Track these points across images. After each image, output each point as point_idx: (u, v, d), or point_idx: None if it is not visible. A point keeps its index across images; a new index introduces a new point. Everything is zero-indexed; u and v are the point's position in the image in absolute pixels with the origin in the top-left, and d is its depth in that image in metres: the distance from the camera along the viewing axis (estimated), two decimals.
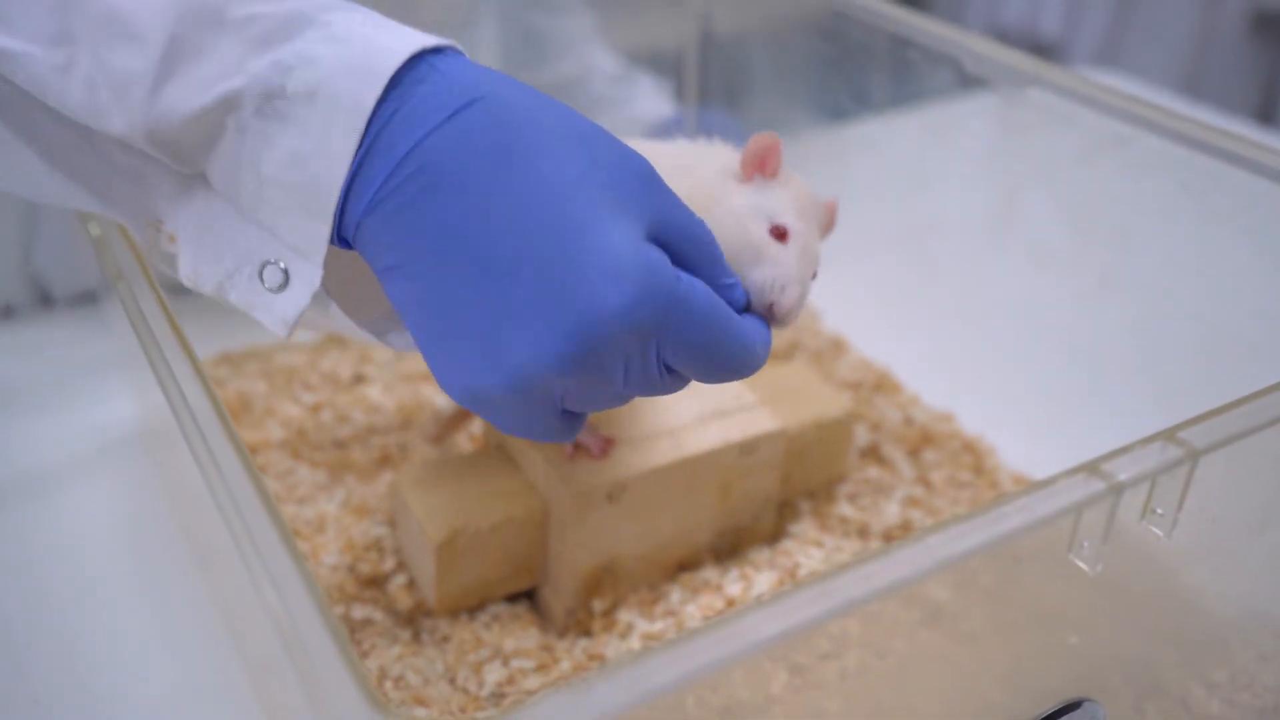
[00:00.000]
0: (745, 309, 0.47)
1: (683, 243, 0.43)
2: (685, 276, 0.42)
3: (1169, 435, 0.39)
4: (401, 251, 0.41)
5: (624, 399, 0.45)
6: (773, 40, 0.89)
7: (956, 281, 0.84)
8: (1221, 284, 0.65)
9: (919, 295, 0.87)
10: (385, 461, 0.77)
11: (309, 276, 0.44)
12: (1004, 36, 2.83)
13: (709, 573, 0.67)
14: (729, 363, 0.44)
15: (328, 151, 0.41)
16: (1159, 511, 0.40)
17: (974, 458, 0.78)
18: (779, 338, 0.89)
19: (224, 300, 0.46)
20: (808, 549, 0.69)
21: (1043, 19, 2.75)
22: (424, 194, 0.41)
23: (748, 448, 0.66)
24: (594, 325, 0.40)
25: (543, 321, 0.40)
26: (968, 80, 0.72)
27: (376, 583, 0.67)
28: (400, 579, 0.67)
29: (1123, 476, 0.38)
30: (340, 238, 0.44)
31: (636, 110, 1.03)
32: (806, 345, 0.89)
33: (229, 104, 0.42)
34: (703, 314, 0.42)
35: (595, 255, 0.39)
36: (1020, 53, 0.70)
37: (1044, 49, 2.77)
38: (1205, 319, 0.66)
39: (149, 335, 0.46)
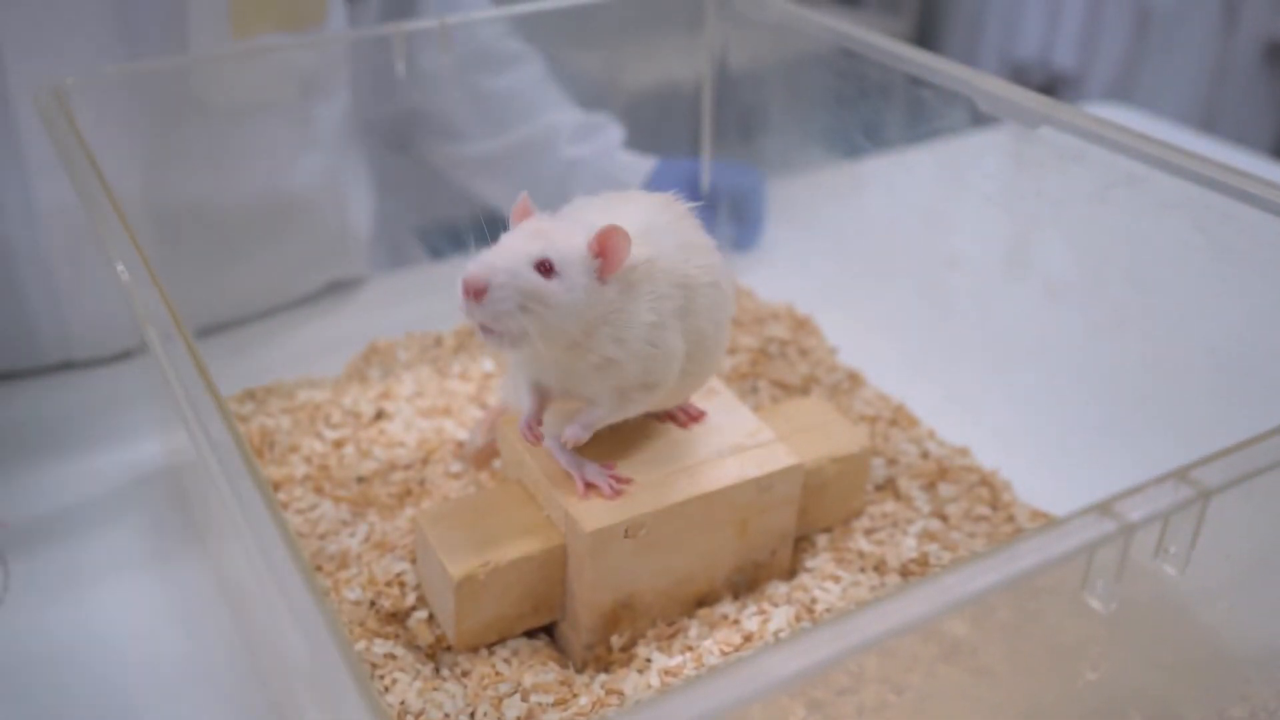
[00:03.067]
0: None
1: None
2: None
3: (1181, 475, 0.40)
4: None
5: None
6: (787, 77, 0.90)
7: (972, 317, 0.84)
8: (1236, 322, 0.66)
9: (935, 330, 0.87)
10: (406, 496, 0.77)
11: None
12: (1019, 69, 2.84)
13: (727, 608, 0.67)
14: None
15: None
16: (1171, 550, 0.40)
17: (991, 491, 0.78)
18: (793, 374, 0.90)
19: None
20: (825, 584, 0.69)
21: (1057, 52, 2.76)
22: None
23: (765, 484, 0.66)
24: None
25: None
26: (979, 117, 0.73)
27: (398, 618, 0.68)
28: (421, 614, 0.67)
29: (1134, 516, 0.38)
30: None
31: (614, 170, 1.03)
32: (823, 380, 0.90)
33: None
34: None
35: None
36: (1031, 92, 0.71)
37: (1059, 81, 2.78)
38: (1220, 356, 0.67)
39: (175, 375, 0.47)
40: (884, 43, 0.80)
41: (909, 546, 0.73)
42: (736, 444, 0.68)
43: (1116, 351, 0.74)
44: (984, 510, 0.77)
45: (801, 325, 0.96)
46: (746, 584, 0.70)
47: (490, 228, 0.58)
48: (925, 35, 3.09)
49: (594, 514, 0.62)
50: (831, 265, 0.94)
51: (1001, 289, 0.82)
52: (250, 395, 0.88)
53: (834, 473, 0.72)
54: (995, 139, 0.75)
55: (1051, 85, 2.83)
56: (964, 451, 0.82)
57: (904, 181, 0.86)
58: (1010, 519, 0.76)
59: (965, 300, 0.85)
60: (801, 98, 0.86)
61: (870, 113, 0.82)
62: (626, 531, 0.63)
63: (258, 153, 0.91)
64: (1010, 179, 0.75)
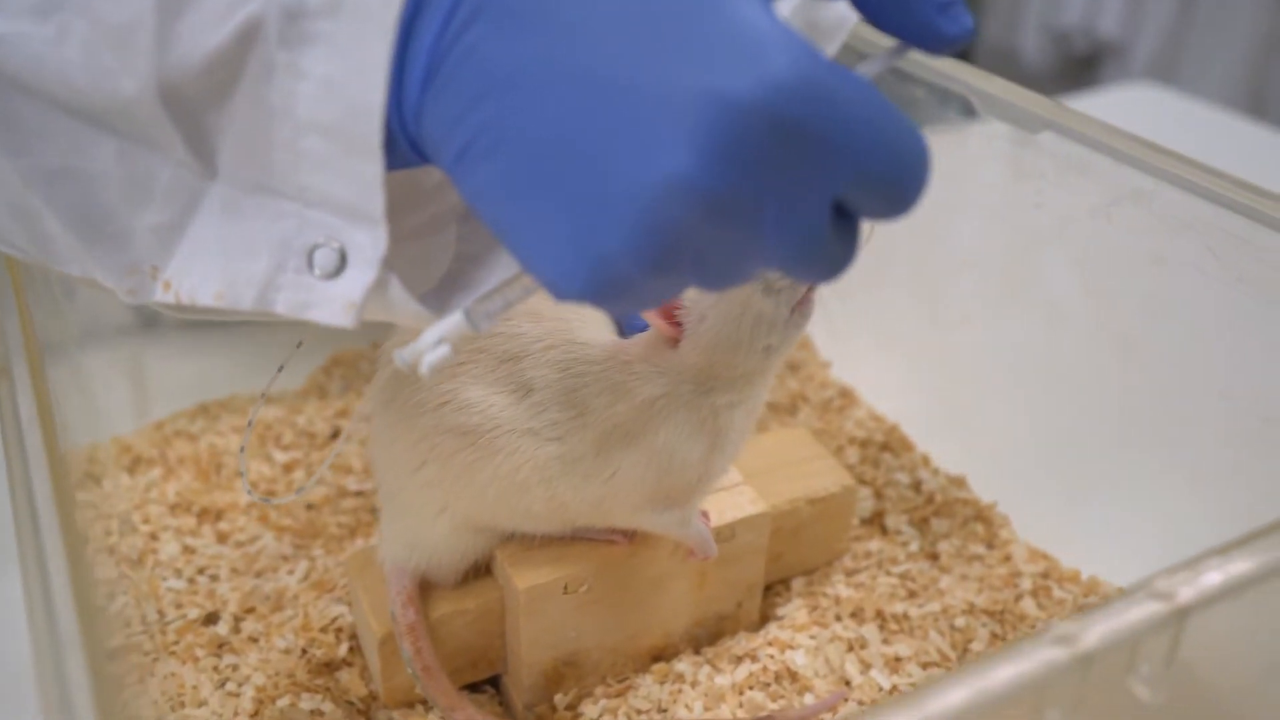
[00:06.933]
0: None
1: None
2: (831, 59, 0.31)
3: (1150, 588, 0.33)
4: (475, 116, 0.33)
5: (780, 262, 0.33)
6: None
7: (970, 333, 0.77)
8: (1251, 357, 0.59)
9: (932, 346, 0.80)
10: (356, 529, 0.72)
11: (371, 243, 0.36)
12: (1063, 37, 2.73)
13: (683, 664, 0.62)
14: (904, 175, 0.31)
15: (362, 65, 0.34)
16: (1144, 670, 0.34)
17: (986, 529, 0.72)
18: (781, 390, 0.84)
19: (269, 313, 0.39)
20: (795, 637, 0.63)
21: (1102, 19, 2.64)
22: (493, 25, 0.33)
23: (725, 533, 0.60)
24: (724, 123, 0.30)
25: (662, 130, 0.30)
26: (973, 119, 0.66)
27: (331, 668, 0.63)
28: (354, 666, 0.62)
29: (1091, 640, 0.32)
30: (408, 155, 0.37)
31: None
32: (812, 398, 0.83)
33: (249, 35, 0.35)
34: (866, 103, 0.31)
35: (713, 33, 0.30)
36: (1032, 93, 0.64)
37: (1103, 50, 2.67)
38: (1233, 394, 0.60)
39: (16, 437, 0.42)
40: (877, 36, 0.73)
41: (891, 594, 0.66)
42: None
43: (1123, 381, 0.67)
44: (978, 549, 0.71)
45: None
46: (709, 637, 0.64)
47: None
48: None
49: (529, 569, 0.57)
50: None
51: (1003, 306, 0.75)
52: (204, 410, 0.83)
53: (811, 515, 0.66)
54: (992, 138, 0.68)
55: (1095, 54, 2.72)
56: (959, 481, 0.75)
57: None
58: (1006, 559, 0.70)
59: (963, 315, 0.78)
60: None
61: None
62: (566, 587, 0.57)
63: None
64: (1009, 188, 0.68)
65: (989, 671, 0.32)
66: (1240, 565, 0.34)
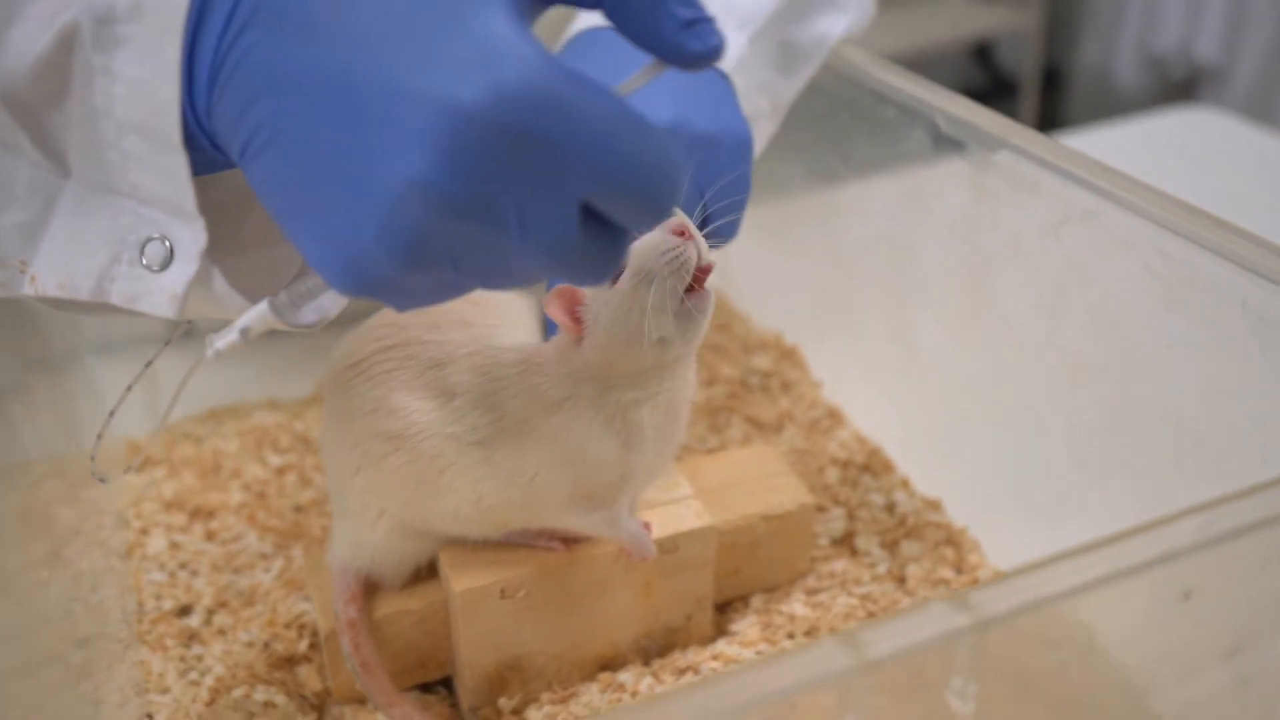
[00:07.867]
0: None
1: None
2: (575, 71, 0.33)
3: (960, 600, 0.33)
4: (252, 116, 0.35)
5: (536, 266, 0.34)
6: None
7: (944, 358, 0.77)
8: (1185, 377, 0.57)
9: (910, 370, 0.80)
10: None
11: (192, 238, 0.39)
12: (1159, 61, 2.67)
13: (627, 675, 0.63)
14: (645, 185, 0.33)
15: (161, 66, 0.37)
16: (955, 683, 0.34)
17: (956, 553, 0.71)
18: (771, 409, 0.84)
19: (105, 302, 0.41)
20: (742, 652, 0.63)
21: (1200, 43, 2.57)
22: (265, 30, 0.35)
23: (668, 545, 0.61)
24: (452, 129, 0.31)
25: (399, 135, 0.32)
26: (940, 141, 0.66)
27: (291, 662, 0.65)
28: (313, 662, 0.65)
29: (881, 650, 0.32)
30: (211, 153, 0.39)
31: None
32: (800, 417, 0.83)
33: (68, 40, 0.38)
34: (602, 114, 0.32)
35: (454, 45, 0.32)
36: (992, 113, 0.64)
37: (1202, 75, 2.60)
38: (1171, 413, 0.58)
39: None
40: (857, 57, 0.73)
41: (848, 613, 0.66)
42: (647, 499, 0.63)
43: (1086, 405, 0.66)
44: (947, 573, 0.70)
45: (788, 356, 0.89)
46: (659, 649, 0.65)
47: None
48: (1057, 26, 2.92)
49: (467, 572, 0.58)
50: (825, 294, 0.87)
51: (970, 330, 0.74)
52: (211, 415, 0.87)
53: (766, 532, 0.66)
54: (959, 165, 0.67)
55: (1192, 79, 2.65)
56: (935, 505, 0.75)
57: (874, 209, 0.79)
58: (973, 584, 0.69)
59: (936, 341, 0.77)
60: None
61: (842, 133, 0.75)
62: (503, 592, 0.58)
63: None
64: (970, 209, 0.67)
65: (779, 672, 0.32)
66: (1053, 581, 0.34)
